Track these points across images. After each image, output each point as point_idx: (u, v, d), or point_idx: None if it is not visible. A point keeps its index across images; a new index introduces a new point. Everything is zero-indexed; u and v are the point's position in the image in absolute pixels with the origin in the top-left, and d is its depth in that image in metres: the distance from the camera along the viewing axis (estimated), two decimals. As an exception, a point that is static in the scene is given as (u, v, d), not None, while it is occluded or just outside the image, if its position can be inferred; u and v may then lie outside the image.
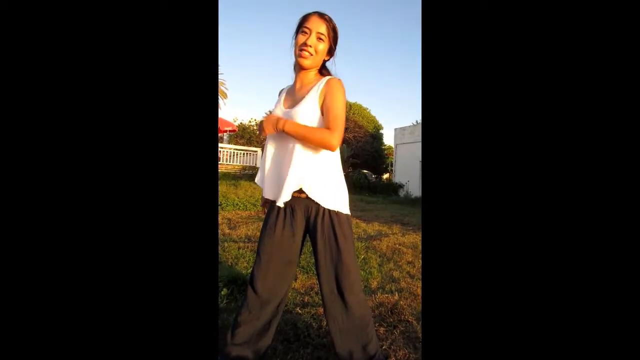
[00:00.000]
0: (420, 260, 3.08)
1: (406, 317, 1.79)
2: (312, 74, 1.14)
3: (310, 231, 1.14)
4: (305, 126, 1.04)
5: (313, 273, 2.40)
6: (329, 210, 1.11)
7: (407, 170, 13.09)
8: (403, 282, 2.38)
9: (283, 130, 1.05)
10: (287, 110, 1.12)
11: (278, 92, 1.26)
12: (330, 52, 1.13)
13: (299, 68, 1.13)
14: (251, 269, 1.15)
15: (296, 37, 1.11)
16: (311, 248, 1.16)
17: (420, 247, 3.63)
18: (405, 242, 3.82)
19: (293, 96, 1.15)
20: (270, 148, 1.15)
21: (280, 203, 1.08)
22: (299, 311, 1.77)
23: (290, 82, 1.21)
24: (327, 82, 1.08)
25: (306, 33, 1.08)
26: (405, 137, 13.25)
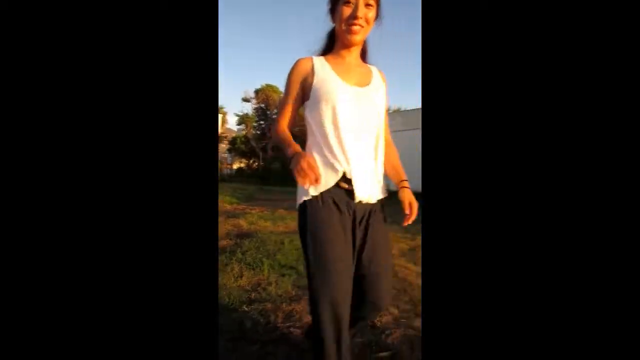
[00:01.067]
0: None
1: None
2: (359, 47, 1.00)
3: (359, 230, 0.97)
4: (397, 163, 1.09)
5: (260, 269, 2.36)
6: (380, 202, 1.01)
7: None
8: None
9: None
10: (358, 88, 0.95)
11: (298, 61, 0.98)
12: (377, 16, 0.95)
13: (346, 43, 0.95)
14: (326, 302, 0.89)
15: (338, 9, 0.92)
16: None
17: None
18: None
19: (350, 72, 0.97)
20: (355, 140, 0.93)
21: (374, 199, 0.96)
22: (246, 309, 1.73)
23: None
24: (383, 75, 1.05)
25: (350, 3, 0.89)
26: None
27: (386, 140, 1.06)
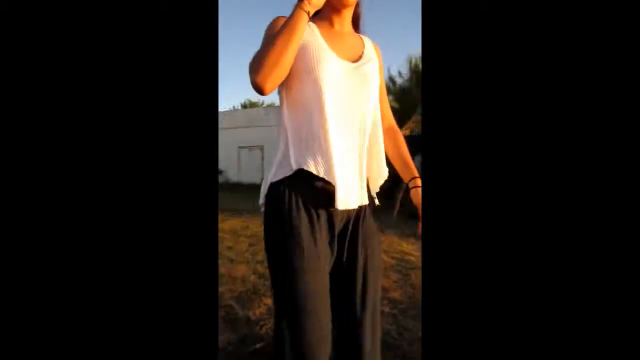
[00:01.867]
0: (240, 244, 3.17)
1: (226, 301, 1.82)
2: (351, 12, 0.81)
3: (344, 241, 0.77)
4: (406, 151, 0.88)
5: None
6: (369, 203, 0.81)
7: (226, 156, 13.02)
8: (223, 268, 2.39)
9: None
10: (349, 63, 0.76)
11: (277, 18, 0.77)
12: None
13: (337, 4, 0.77)
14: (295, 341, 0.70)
15: None
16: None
17: (240, 232, 3.73)
18: (225, 227, 3.84)
19: (341, 43, 0.78)
20: (336, 132, 0.73)
21: (355, 206, 0.76)
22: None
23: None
24: (378, 49, 0.87)
25: None
26: (224, 123, 13.07)
27: (390, 126, 0.89)
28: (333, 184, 0.71)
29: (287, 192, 0.73)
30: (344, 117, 0.74)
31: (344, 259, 0.77)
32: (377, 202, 0.85)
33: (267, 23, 0.77)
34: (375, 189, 0.84)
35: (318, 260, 0.71)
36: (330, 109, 0.72)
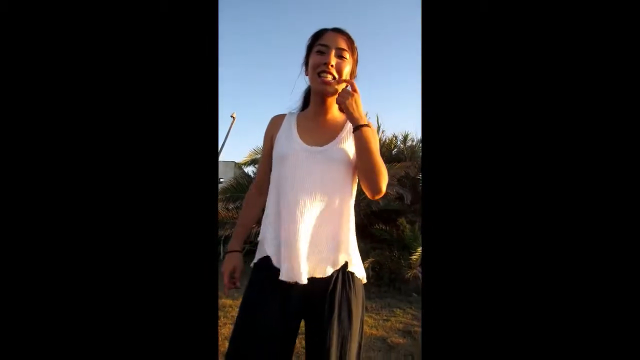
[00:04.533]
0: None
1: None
2: (334, 101, 0.89)
3: (312, 312, 0.80)
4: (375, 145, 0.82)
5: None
6: (349, 274, 0.83)
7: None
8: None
9: (359, 126, 0.79)
10: (314, 148, 0.84)
11: (271, 118, 0.97)
12: (352, 74, 0.88)
13: (318, 96, 0.89)
14: None
15: (309, 58, 0.87)
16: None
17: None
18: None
19: (314, 129, 0.88)
20: (289, 200, 0.80)
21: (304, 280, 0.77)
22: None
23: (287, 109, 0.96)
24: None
25: (323, 52, 0.84)
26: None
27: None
28: (270, 253, 0.82)
29: (255, 267, 0.87)
30: (305, 196, 0.80)
31: (314, 335, 0.79)
32: (358, 277, 0.85)
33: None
34: (352, 264, 0.84)
35: (255, 331, 0.78)
36: (288, 189, 0.81)
